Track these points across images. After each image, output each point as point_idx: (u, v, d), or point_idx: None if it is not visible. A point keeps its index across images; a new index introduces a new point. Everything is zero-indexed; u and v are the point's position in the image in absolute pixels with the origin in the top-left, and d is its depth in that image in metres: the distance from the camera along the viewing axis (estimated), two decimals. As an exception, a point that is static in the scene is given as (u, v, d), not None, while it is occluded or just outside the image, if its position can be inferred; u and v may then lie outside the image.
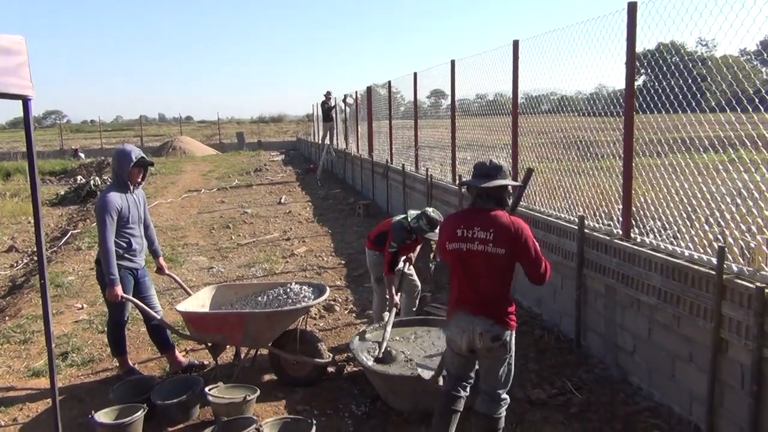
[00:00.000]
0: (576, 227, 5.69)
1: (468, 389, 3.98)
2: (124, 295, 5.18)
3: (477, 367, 3.95)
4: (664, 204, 5.04)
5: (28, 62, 3.71)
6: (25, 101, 3.77)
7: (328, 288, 5.61)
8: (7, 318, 7.50)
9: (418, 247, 6.30)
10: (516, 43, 7.23)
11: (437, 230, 5.62)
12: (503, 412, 3.83)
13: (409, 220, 5.80)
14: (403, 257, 6.15)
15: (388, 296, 5.90)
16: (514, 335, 3.77)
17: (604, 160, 6.12)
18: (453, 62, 9.64)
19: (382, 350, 5.10)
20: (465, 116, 10.19)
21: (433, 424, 3.98)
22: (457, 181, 9.09)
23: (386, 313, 5.80)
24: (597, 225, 5.72)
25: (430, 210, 5.82)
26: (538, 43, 6.87)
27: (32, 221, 12.51)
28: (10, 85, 3.52)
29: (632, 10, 4.97)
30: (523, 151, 7.41)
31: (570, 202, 6.43)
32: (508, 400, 3.87)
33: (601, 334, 5.46)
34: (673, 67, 4.89)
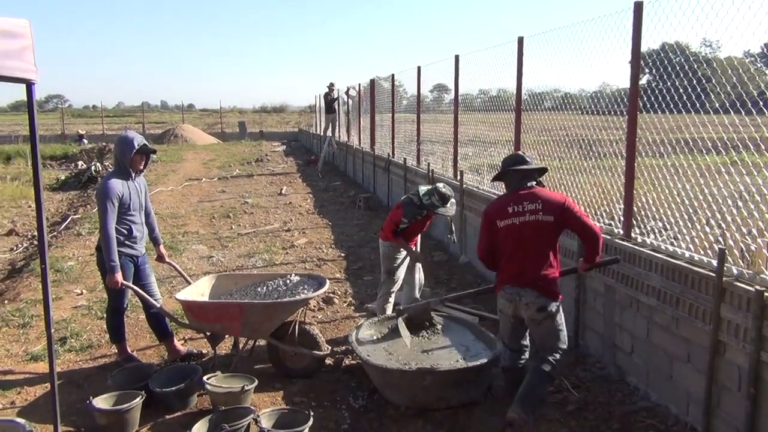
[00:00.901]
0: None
1: (524, 358, 4.48)
2: (124, 282, 5.19)
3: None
4: (666, 205, 5.04)
5: (33, 46, 3.70)
6: (29, 85, 3.76)
7: (327, 280, 5.61)
8: (6, 302, 7.51)
9: (428, 223, 6.24)
10: (521, 40, 7.21)
11: (449, 205, 5.69)
12: (548, 368, 4.18)
13: (420, 195, 5.78)
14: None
15: (407, 251, 5.97)
16: (560, 305, 4.27)
17: (607, 159, 6.12)
18: (457, 57, 9.62)
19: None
20: (467, 111, 10.19)
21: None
22: (458, 176, 9.08)
23: (389, 305, 5.83)
24: (598, 224, 5.72)
25: (441, 185, 5.82)
26: (543, 40, 6.86)
27: (33, 205, 12.53)
28: (13, 69, 3.50)
29: (638, 9, 4.96)
30: (525, 148, 7.40)
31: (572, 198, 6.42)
32: (558, 357, 4.24)
33: (599, 334, 5.47)
34: (677, 68, 4.88)
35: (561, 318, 4.28)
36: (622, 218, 5.30)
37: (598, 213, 5.85)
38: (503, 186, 4.52)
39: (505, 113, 8.19)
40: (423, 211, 5.83)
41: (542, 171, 4.48)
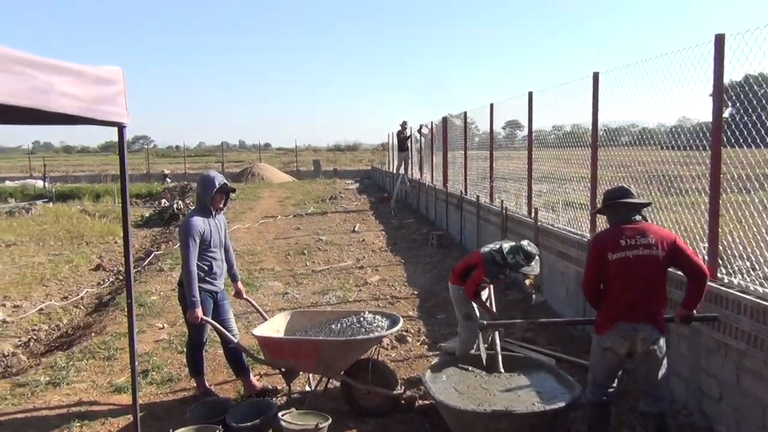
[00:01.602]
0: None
1: (612, 394, 4.44)
2: (204, 317, 5.34)
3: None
4: (753, 243, 4.82)
5: (125, 92, 3.93)
6: (121, 128, 3.98)
7: (401, 318, 5.60)
8: (93, 334, 7.84)
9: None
10: (596, 76, 7.13)
11: (534, 263, 5.59)
12: (667, 408, 4.27)
13: (504, 254, 5.68)
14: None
15: (483, 310, 5.88)
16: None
17: (688, 195, 5.92)
18: (530, 94, 9.58)
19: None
20: (541, 147, 10.08)
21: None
22: (532, 213, 8.95)
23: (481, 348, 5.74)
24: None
25: (525, 243, 5.70)
26: (619, 75, 6.76)
27: (119, 241, 13.09)
28: (108, 113, 3.73)
29: (720, 41, 4.83)
30: (603, 185, 7.24)
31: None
32: (670, 396, 4.33)
33: (684, 379, 5.22)
34: (763, 100, 4.71)
35: (666, 352, 4.31)
36: (706, 257, 5.08)
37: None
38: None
39: (580, 149, 8.07)
40: (506, 270, 5.74)
41: (646, 205, 4.55)
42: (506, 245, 5.74)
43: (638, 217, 4.32)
